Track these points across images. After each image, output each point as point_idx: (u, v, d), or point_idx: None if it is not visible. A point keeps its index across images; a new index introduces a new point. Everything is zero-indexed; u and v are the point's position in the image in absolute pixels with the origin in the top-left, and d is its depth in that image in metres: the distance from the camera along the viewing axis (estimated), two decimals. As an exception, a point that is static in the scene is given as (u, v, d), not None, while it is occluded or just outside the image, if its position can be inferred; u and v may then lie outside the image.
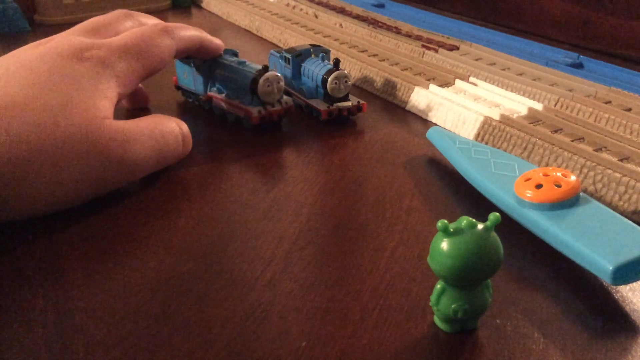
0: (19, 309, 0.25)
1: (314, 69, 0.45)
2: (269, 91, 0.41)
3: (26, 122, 0.29)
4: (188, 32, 0.40)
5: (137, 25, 0.40)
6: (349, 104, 0.44)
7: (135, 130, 0.33)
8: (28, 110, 0.30)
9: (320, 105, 0.44)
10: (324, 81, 0.43)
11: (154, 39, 0.37)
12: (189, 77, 0.47)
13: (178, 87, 0.49)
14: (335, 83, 0.43)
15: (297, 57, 0.46)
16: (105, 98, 0.33)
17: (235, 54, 0.46)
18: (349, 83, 0.44)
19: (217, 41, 0.44)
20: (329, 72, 0.43)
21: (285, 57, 0.47)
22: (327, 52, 0.47)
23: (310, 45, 0.47)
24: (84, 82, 0.33)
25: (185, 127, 0.37)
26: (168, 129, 0.35)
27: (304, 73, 0.46)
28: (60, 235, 0.30)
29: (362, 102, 0.44)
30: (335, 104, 0.44)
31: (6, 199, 0.29)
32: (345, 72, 0.43)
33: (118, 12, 0.40)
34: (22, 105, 0.30)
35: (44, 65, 0.32)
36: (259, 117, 0.41)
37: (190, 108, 0.48)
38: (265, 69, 0.41)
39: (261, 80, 0.41)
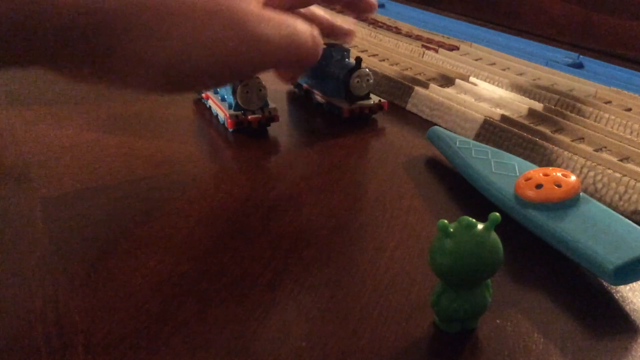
0: (19, 309, 0.25)
1: (335, 67, 0.45)
2: (247, 98, 0.41)
3: None
4: None
5: None
6: (370, 102, 0.44)
7: (269, 15, 0.31)
8: None
9: (342, 103, 0.44)
10: (346, 79, 0.43)
11: None
12: None
13: None
14: (358, 81, 0.43)
15: None
16: None
17: None
18: (371, 81, 0.44)
19: None
20: (351, 71, 0.43)
21: None
22: (347, 50, 0.47)
23: (325, 44, 0.47)
24: None
25: (312, 30, 0.34)
26: (300, 26, 0.33)
27: (325, 71, 0.46)
28: (60, 235, 0.30)
29: (383, 100, 0.45)
30: (356, 102, 0.44)
31: (124, 57, 0.26)
32: (367, 70, 0.43)
33: None
34: None
35: None
36: (234, 122, 0.41)
37: (198, 107, 0.48)
38: None
39: (240, 86, 0.41)
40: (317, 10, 0.39)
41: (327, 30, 0.40)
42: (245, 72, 0.32)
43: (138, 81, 0.28)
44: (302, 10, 0.38)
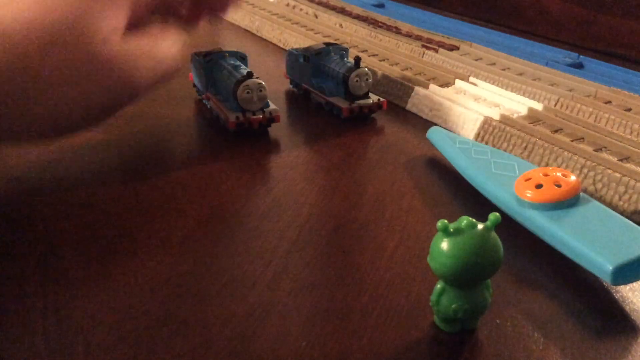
0: (19, 309, 0.25)
1: (334, 66, 0.45)
2: (248, 98, 0.41)
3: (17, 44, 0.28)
4: None
5: None
6: (369, 101, 0.44)
7: (135, 54, 0.32)
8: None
9: (341, 103, 0.44)
10: (346, 79, 0.43)
11: None
12: (195, 75, 0.48)
13: (194, 84, 0.49)
14: (357, 81, 0.43)
15: (317, 55, 0.46)
16: (111, 14, 0.31)
17: (243, 57, 0.46)
18: (370, 81, 0.44)
19: None
20: (351, 70, 0.43)
21: (305, 55, 0.47)
22: (346, 50, 0.47)
23: (324, 43, 0.47)
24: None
25: (178, 46, 0.35)
26: (166, 53, 0.34)
27: (324, 71, 0.46)
28: (60, 235, 0.30)
29: (382, 99, 0.45)
30: (356, 102, 0.44)
31: None
32: (366, 69, 0.43)
33: None
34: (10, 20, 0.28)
35: None
36: (235, 123, 0.41)
37: (199, 108, 0.48)
38: (249, 75, 0.41)
39: (240, 87, 0.40)
40: None
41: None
42: (123, 105, 0.34)
43: (23, 138, 0.32)
44: None
